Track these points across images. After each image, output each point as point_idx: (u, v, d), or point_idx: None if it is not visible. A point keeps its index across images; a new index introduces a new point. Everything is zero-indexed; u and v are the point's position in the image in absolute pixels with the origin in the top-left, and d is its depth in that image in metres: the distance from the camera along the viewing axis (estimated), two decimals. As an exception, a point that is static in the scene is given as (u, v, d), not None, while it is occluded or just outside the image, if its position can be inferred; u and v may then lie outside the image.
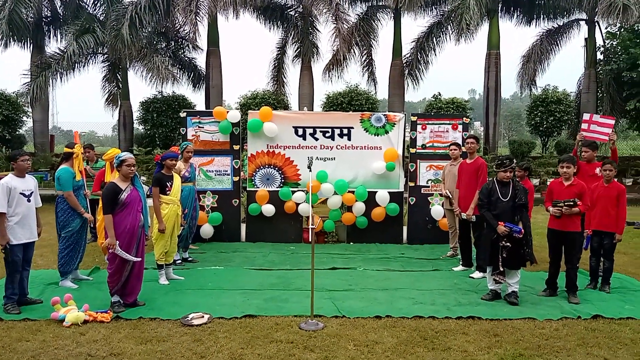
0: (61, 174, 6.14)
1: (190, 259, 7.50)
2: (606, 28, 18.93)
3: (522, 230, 5.42)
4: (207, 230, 8.73)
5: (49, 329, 4.68)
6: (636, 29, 17.02)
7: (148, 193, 6.54)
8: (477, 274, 6.67)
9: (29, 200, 5.33)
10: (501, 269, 5.52)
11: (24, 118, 19.41)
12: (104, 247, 7.08)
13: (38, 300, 5.43)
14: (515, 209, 5.54)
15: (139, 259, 5.29)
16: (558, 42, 20.29)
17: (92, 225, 6.81)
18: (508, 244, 5.45)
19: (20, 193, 5.23)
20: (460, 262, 7.23)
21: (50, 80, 17.35)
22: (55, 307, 4.94)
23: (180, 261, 7.25)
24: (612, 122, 7.27)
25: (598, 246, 6.08)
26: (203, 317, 4.92)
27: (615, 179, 6.11)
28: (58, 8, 19.89)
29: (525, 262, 5.54)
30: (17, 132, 19.06)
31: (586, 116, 7.39)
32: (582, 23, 19.84)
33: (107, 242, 5.12)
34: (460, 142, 8.38)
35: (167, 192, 6.25)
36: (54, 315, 4.88)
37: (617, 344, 4.43)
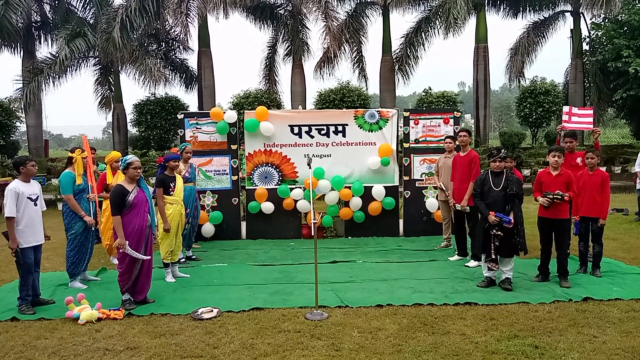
0: (62, 178, 6.30)
1: (194, 257, 7.70)
2: (591, 19, 19.29)
3: (512, 221, 5.65)
4: (208, 229, 8.93)
5: (64, 327, 4.87)
6: (620, 19, 17.33)
7: (152, 194, 6.71)
8: (472, 263, 6.92)
9: (35, 205, 5.50)
10: (494, 257, 5.78)
11: (17, 124, 19.43)
12: (112, 248, 7.30)
13: (50, 301, 5.62)
14: (506, 199, 5.78)
15: (149, 257, 5.49)
16: (544, 33, 20.61)
17: (94, 228, 6.91)
18: (500, 232, 5.70)
19: (28, 197, 5.40)
20: (456, 252, 7.48)
21: (43, 85, 17.41)
22: (69, 306, 5.13)
23: (184, 259, 7.44)
24: (591, 112, 7.70)
25: (585, 231, 6.35)
26: (212, 311, 5.12)
27: (603, 168, 6.39)
28: (47, 13, 19.92)
29: (518, 251, 5.79)
30: (11, 138, 19.09)
31: (566, 108, 7.84)
32: (568, 15, 20.17)
33: (117, 243, 5.31)
34: (452, 135, 8.63)
35: (171, 193, 6.44)
36: (68, 314, 5.07)
37: (606, 323, 4.70)
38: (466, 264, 7.00)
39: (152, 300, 5.57)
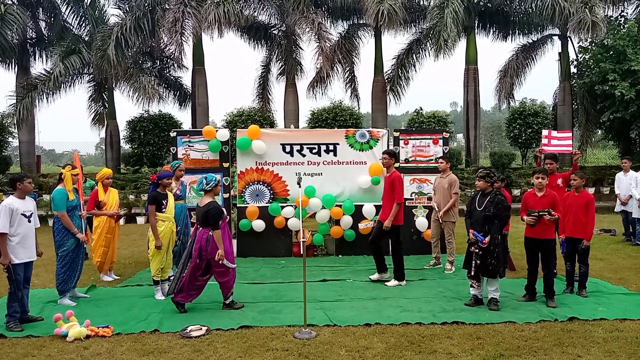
0: (55, 194, 6.35)
1: (184, 274, 7.69)
2: (578, 43, 19.69)
3: (485, 241, 5.74)
4: (198, 246, 8.92)
5: (53, 344, 4.86)
6: (606, 44, 17.71)
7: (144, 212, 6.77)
8: (392, 282, 7.10)
9: (29, 221, 5.53)
10: (473, 274, 5.89)
11: (10, 139, 19.41)
12: (102, 265, 7.33)
13: (39, 318, 5.60)
14: (486, 219, 5.88)
15: (234, 266, 6.03)
16: (533, 56, 21.03)
17: (85, 245, 6.89)
18: (478, 251, 5.81)
19: (22, 214, 5.43)
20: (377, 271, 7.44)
21: (37, 101, 17.47)
22: (57, 323, 5.12)
23: (173, 277, 7.42)
24: (570, 134, 7.95)
25: (572, 252, 6.45)
26: (201, 329, 5.14)
27: (592, 188, 6.56)
28: (43, 29, 20.07)
29: (495, 273, 5.83)
30: (3, 154, 19.04)
31: (545, 132, 8.06)
32: (556, 38, 20.60)
33: (219, 255, 5.67)
34: (441, 155, 8.83)
35: (163, 210, 6.48)
36: (57, 331, 5.06)
37: (590, 342, 4.77)
38: (386, 283, 7.11)
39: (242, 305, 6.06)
